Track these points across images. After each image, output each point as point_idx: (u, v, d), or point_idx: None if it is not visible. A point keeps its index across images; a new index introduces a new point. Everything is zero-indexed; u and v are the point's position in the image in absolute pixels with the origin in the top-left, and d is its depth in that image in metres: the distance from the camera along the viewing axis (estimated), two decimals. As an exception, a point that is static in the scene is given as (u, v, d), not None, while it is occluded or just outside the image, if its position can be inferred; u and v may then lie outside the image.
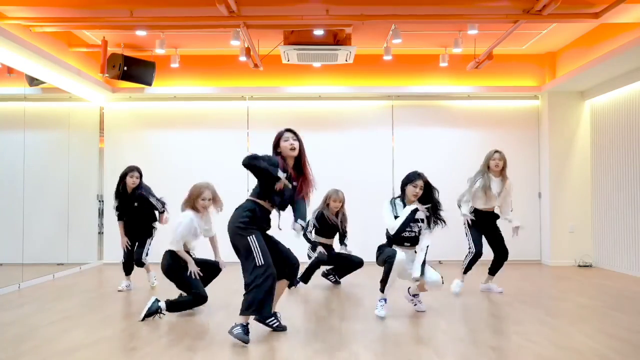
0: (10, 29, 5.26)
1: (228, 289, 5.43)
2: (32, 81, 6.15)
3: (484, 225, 5.38)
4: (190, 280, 4.43)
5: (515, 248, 7.80)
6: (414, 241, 4.40)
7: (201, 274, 4.53)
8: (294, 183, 3.68)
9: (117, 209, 5.65)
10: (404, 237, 4.38)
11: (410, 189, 4.32)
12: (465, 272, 5.36)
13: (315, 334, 3.80)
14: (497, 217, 5.43)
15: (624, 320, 4.16)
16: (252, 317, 3.67)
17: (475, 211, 5.33)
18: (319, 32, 5.97)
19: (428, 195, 4.37)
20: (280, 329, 3.87)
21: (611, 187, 7.07)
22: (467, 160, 7.34)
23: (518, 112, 7.94)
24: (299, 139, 3.69)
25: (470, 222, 5.30)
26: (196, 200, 4.55)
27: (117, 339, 3.66)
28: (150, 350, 3.40)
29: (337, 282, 5.98)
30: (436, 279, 4.32)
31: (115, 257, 7.69)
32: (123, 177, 5.54)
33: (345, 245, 5.83)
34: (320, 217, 5.75)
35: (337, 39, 6.14)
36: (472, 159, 7.73)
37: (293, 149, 3.64)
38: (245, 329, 3.53)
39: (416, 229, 4.37)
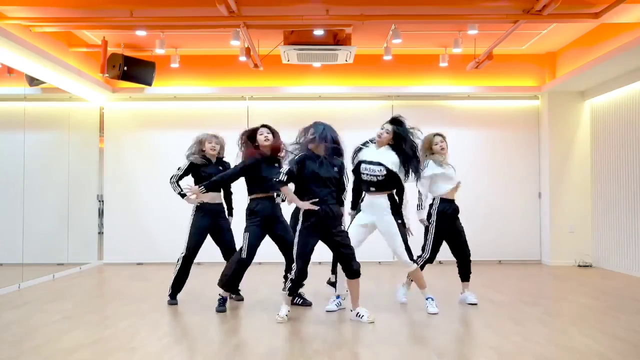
0: (10, 29, 5.26)
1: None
2: (32, 81, 6.14)
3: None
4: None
5: (515, 248, 7.88)
6: (379, 186, 4.39)
7: None
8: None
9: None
10: (367, 181, 4.41)
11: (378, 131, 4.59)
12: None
13: (316, 334, 3.81)
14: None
15: (624, 320, 4.16)
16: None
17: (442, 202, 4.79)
18: (319, 32, 5.97)
19: (399, 144, 4.46)
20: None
21: (611, 187, 7.07)
22: (467, 160, 7.35)
23: (518, 112, 7.94)
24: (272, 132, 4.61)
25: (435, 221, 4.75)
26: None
27: (117, 339, 3.66)
28: (150, 350, 3.40)
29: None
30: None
31: (115, 257, 7.71)
32: None
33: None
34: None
35: (337, 39, 6.14)
36: (472, 159, 7.77)
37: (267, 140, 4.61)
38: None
39: (378, 172, 4.34)
